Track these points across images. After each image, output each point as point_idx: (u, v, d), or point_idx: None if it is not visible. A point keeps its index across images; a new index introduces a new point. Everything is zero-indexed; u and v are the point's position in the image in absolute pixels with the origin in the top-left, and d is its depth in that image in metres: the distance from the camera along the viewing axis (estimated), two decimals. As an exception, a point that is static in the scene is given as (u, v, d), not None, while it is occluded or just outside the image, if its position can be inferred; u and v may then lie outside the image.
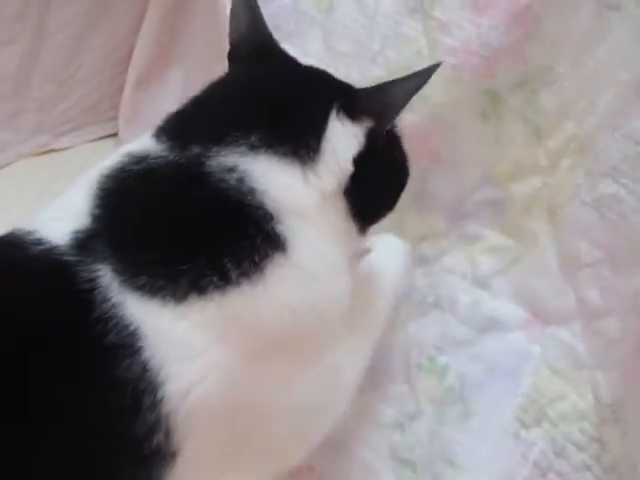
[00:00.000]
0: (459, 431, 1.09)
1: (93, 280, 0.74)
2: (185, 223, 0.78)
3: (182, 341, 0.74)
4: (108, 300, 0.73)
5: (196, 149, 0.80)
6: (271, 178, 0.79)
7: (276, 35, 1.16)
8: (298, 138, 0.82)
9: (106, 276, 0.74)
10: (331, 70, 1.10)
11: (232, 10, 0.93)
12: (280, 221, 0.79)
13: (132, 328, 0.72)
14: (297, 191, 0.81)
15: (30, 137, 1.69)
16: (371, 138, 0.85)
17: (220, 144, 0.80)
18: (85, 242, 0.76)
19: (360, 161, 0.84)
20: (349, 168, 0.84)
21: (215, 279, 0.75)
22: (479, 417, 1.09)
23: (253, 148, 0.80)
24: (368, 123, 0.84)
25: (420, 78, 0.85)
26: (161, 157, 0.80)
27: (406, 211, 1.09)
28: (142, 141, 0.84)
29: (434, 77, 1.02)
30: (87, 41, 1.68)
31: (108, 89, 1.74)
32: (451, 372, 1.11)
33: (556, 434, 1.06)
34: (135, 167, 0.80)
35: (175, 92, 1.73)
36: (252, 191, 0.78)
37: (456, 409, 1.10)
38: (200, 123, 0.84)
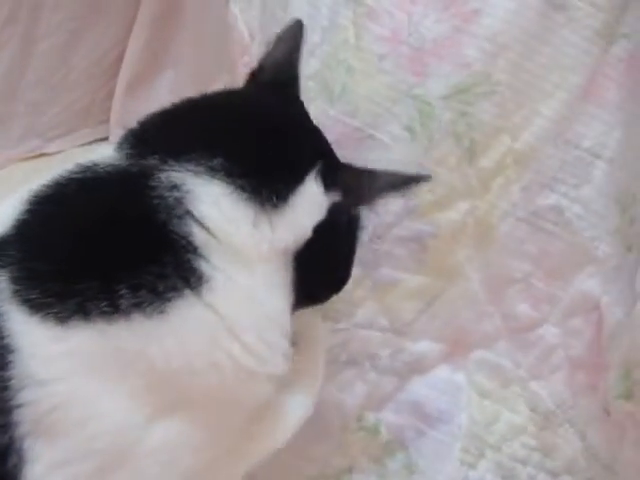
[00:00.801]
0: None
1: None
2: (100, 239, 0.73)
3: (52, 364, 0.70)
4: None
5: (153, 160, 0.75)
6: (216, 208, 0.74)
7: (262, 38, 1.14)
8: (267, 178, 0.77)
9: (1, 282, 0.71)
10: None
11: (280, 35, 0.90)
12: (204, 255, 0.73)
13: (6, 341, 0.69)
14: (242, 232, 0.75)
15: (20, 142, 1.69)
16: (334, 213, 0.80)
17: (179, 158, 0.75)
18: None
19: (318, 231, 0.79)
20: (308, 233, 0.78)
21: (103, 305, 0.70)
22: (421, 471, 1.05)
23: (211, 171, 0.75)
24: (337, 197, 0.80)
25: (405, 180, 0.82)
26: (112, 165, 0.77)
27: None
28: (100, 150, 0.81)
29: (357, 65, 0.99)
30: (77, 45, 1.67)
31: (99, 93, 1.74)
32: (384, 428, 1.06)
33: (501, 457, 1.04)
34: (78, 175, 0.77)
35: (166, 97, 1.71)
36: (185, 215, 0.73)
37: (398, 461, 1.06)
38: (170, 133, 0.80)
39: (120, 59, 1.72)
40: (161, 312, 0.71)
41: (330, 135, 0.99)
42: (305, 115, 0.88)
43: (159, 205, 0.73)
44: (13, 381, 0.69)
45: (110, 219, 0.74)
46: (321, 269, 0.82)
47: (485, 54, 0.96)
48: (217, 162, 0.75)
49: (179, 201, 0.73)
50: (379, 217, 0.99)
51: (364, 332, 1.04)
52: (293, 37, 0.90)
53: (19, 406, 0.69)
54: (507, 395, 1.04)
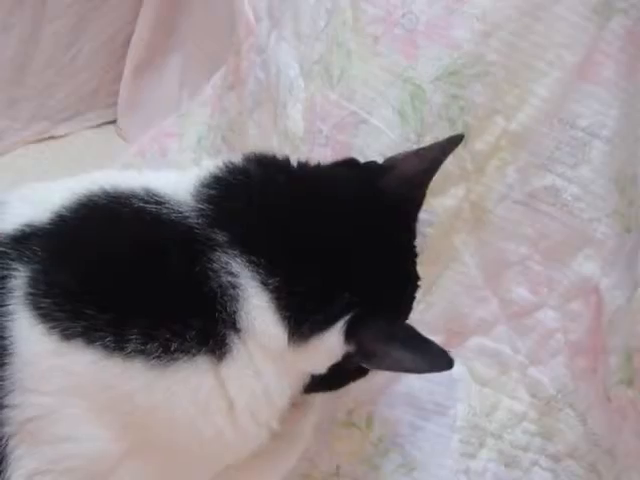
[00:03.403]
0: None
1: (4, 278, 0.71)
2: (132, 277, 0.73)
3: (45, 377, 0.71)
4: (5, 305, 0.70)
5: (221, 237, 0.74)
6: (261, 312, 0.74)
7: (267, 24, 1.13)
8: (303, 315, 0.76)
9: (19, 279, 0.71)
10: (293, 53, 1.06)
11: (432, 145, 0.89)
12: (242, 336, 0.74)
13: (8, 342, 0.70)
14: (275, 338, 0.76)
15: (29, 124, 1.69)
16: (345, 360, 0.79)
17: (245, 254, 0.74)
18: (26, 237, 0.73)
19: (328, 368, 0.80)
20: (322, 371, 0.80)
21: (108, 339, 0.70)
22: (422, 467, 1.03)
23: (265, 285, 0.74)
24: (352, 349, 0.78)
25: (424, 363, 0.78)
26: (179, 214, 0.75)
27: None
28: (179, 180, 0.79)
29: (355, 47, 0.96)
30: (85, 28, 1.67)
31: (107, 76, 1.74)
32: (376, 421, 1.03)
33: (502, 445, 1.03)
34: (140, 202, 0.75)
35: (174, 79, 1.73)
36: (236, 298, 0.73)
37: (393, 461, 1.04)
38: (251, 221, 0.77)
39: (127, 42, 1.72)
40: (163, 368, 0.71)
41: (330, 120, 0.97)
42: (392, 245, 0.83)
43: (213, 278, 0.73)
44: (6, 382, 0.70)
45: (152, 263, 0.73)
46: (330, 386, 0.85)
47: (476, 34, 0.94)
48: (273, 282, 0.74)
49: (233, 285, 0.73)
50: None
51: None
52: (440, 153, 0.87)
53: (6, 406, 0.70)
54: (507, 382, 1.02)
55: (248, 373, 0.75)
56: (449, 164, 0.95)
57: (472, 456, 1.03)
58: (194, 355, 0.72)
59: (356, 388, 1.00)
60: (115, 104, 1.75)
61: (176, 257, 0.73)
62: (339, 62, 0.98)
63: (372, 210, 0.82)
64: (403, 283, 0.85)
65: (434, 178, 0.94)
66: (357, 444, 1.03)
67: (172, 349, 0.71)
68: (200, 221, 0.75)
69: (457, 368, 1.02)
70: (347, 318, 0.76)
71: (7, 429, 0.70)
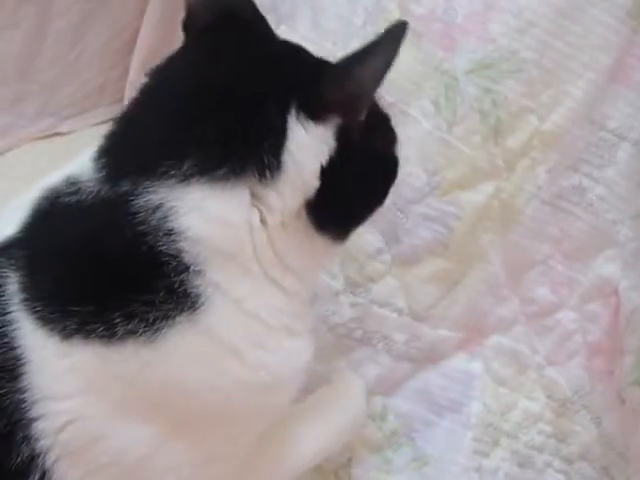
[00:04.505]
0: None
1: (1, 287, 0.70)
2: (90, 268, 0.70)
3: (59, 380, 0.69)
4: (6, 313, 0.69)
5: (126, 185, 0.69)
6: (201, 214, 0.68)
7: (272, 17, 1.13)
8: (247, 156, 0.69)
9: (11, 285, 0.70)
10: (316, 49, 1.06)
11: None
12: (196, 273, 0.68)
13: (19, 351, 0.69)
14: (237, 224, 0.69)
15: (34, 121, 1.67)
16: (342, 137, 0.70)
17: (151, 177, 0.68)
18: (9, 245, 0.72)
19: (331, 167, 0.71)
20: (316, 181, 0.71)
21: (100, 329, 0.68)
22: (434, 462, 1.03)
23: (185, 178, 0.68)
24: (336, 119, 0.70)
25: (389, 47, 0.70)
26: (91, 191, 0.71)
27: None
28: (85, 161, 0.75)
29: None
30: (91, 24, 1.66)
31: (113, 73, 1.72)
32: (391, 414, 1.03)
33: (517, 445, 1.03)
34: (66, 199, 0.72)
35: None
36: (169, 234, 0.68)
37: (406, 454, 1.03)
38: (132, 149, 0.72)
39: (134, 38, 1.70)
40: (153, 341, 0.68)
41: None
42: (262, 43, 0.76)
43: (144, 230, 0.68)
44: (27, 393, 0.68)
45: (97, 250, 0.70)
46: (353, 194, 0.76)
47: (511, 30, 0.95)
48: (188, 165, 0.68)
49: (163, 221, 0.68)
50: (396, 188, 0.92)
51: (380, 311, 1.01)
52: None
53: (35, 419, 0.68)
54: (524, 382, 1.03)
55: (224, 308, 0.70)
56: (479, 159, 0.97)
57: (485, 454, 1.03)
58: (172, 319, 0.68)
59: (374, 379, 1.02)
60: (121, 101, 1.73)
61: (110, 235, 0.69)
62: None
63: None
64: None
65: (461, 170, 0.96)
66: (370, 436, 1.03)
67: (151, 321, 0.68)
68: (106, 187, 0.70)
69: (476, 366, 1.04)
70: (293, 106, 0.69)
71: (43, 443, 0.68)
